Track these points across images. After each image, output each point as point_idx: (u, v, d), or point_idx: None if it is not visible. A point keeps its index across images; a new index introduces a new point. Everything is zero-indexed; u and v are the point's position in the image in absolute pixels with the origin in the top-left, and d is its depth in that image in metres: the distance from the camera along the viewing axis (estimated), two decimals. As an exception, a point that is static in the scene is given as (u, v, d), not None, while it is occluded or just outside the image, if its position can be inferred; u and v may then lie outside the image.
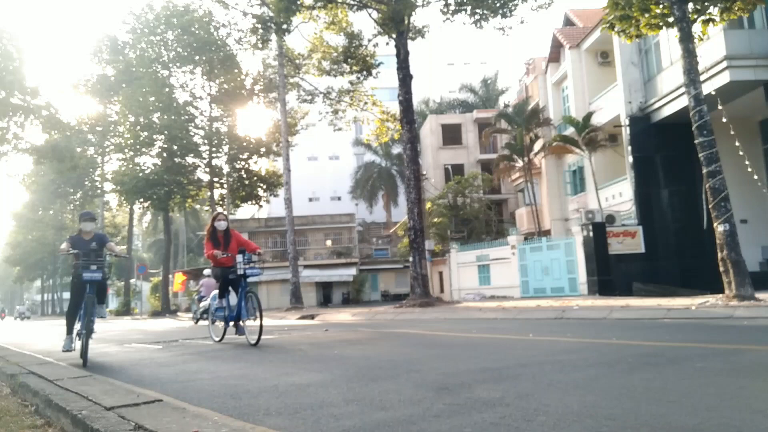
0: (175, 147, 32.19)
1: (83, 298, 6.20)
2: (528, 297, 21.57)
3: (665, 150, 18.98)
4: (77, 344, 6.48)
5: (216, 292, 8.53)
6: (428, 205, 30.19)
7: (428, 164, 38.36)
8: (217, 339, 8.57)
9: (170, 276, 39.30)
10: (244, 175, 33.63)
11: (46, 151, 25.30)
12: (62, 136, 26.64)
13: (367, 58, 23.85)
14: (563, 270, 21.07)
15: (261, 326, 7.56)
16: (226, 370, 5.34)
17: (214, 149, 33.39)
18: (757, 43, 15.24)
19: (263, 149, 33.38)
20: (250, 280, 7.93)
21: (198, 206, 48.88)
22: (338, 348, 7.11)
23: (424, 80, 43.01)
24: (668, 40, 17.35)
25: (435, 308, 16.46)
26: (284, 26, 20.41)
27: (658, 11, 11.90)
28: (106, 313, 6.49)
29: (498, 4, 18.65)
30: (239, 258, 7.69)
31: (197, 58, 32.61)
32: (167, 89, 33.04)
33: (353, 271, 37.37)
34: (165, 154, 32.94)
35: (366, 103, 27.51)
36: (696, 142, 10.85)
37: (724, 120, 13.61)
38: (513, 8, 18.78)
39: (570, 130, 23.49)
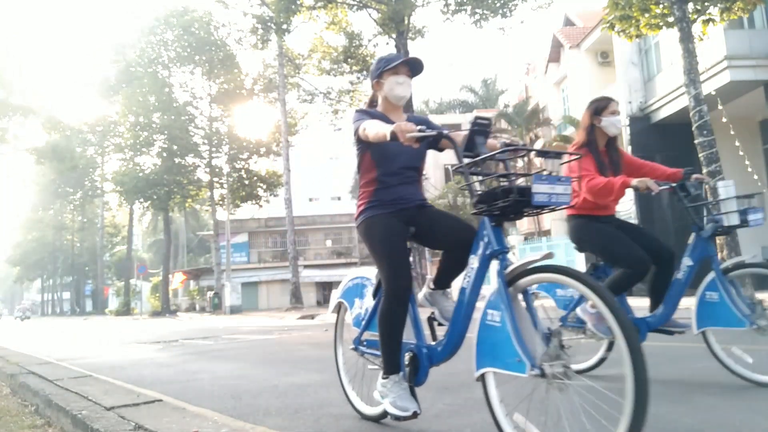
0: (175, 147, 32.19)
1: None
2: (528, 297, 21.53)
3: (665, 150, 18.94)
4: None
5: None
6: (428, 205, 30.16)
7: (428, 164, 38.19)
8: None
9: (170, 276, 39.28)
10: (244, 175, 33.62)
11: (46, 151, 25.31)
12: (62, 136, 26.64)
13: (367, 58, 23.86)
14: (563, 270, 21.02)
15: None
16: (226, 370, 5.34)
17: (214, 149, 33.38)
18: (757, 43, 15.23)
19: (263, 149, 33.37)
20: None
21: (198, 206, 48.86)
22: (338, 348, 7.10)
23: (424, 80, 43.07)
24: (668, 40, 17.35)
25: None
26: (284, 26, 20.43)
27: (658, 11, 11.90)
28: None
29: (498, 4, 18.66)
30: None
31: (197, 58, 32.59)
32: (167, 89, 33.03)
33: (353, 271, 37.37)
34: (165, 154, 32.93)
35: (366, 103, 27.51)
36: (696, 142, 10.86)
37: (724, 120, 13.62)
38: (513, 8, 18.81)
39: (570, 130, 23.48)
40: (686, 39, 10.99)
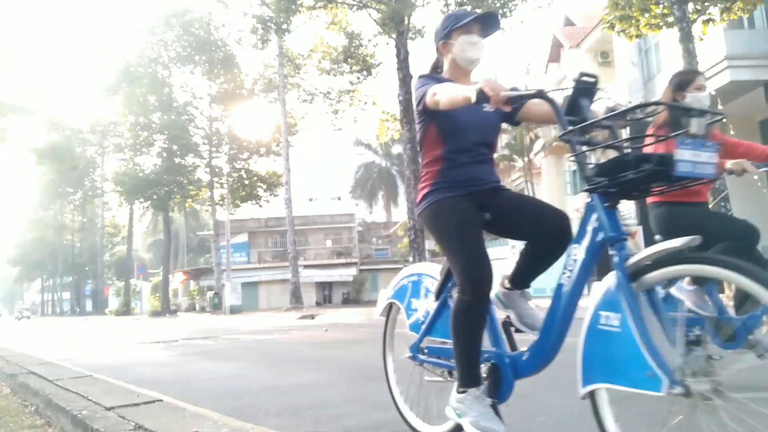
0: (175, 147, 32.19)
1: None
2: (528, 297, 21.52)
3: (665, 150, 18.98)
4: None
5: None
6: (428, 205, 30.17)
7: (428, 164, 38.31)
8: None
9: (170, 276, 39.29)
10: (244, 175, 33.62)
11: (46, 151, 25.32)
12: (62, 136, 26.65)
13: (367, 58, 23.85)
14: (563, 270, 21.01)
15: None
16: (226, 370, 5.34)
17: (214, 149, 33.38)
18: (757, 43, 15.23)
19: (263, 149, 33.38)
20: None
21: (198, 206, 48.88)
22: (338, 348, 7.11)
23: (424, 80, 42.87)
24: (668, 40, 17.35)
25: (435, 308, 16.46)
26: (284, 26, 20.42)
27: (658, 11, 11.91)
28: None
29: (498, 4, 18.66)
30: None
31: (197, 58, 32.60)
32: (167, 89, 33.03)
33: (353, 271, 37.36)
34: (165, 154, 32.94)
35: (366, 103, 27.52)
36: (696, 142, 10.86)
37: (724, 120, 13.61)
38: (513, 8, 18.80)
39: (570, 130, 23.48)
40: (686, 39, 11.00)
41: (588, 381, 1.71)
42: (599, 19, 18.10)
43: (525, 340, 2.10)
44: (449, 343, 2.20)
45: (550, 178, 27.60)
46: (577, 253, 1.88)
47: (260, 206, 36.34)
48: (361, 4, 20.56)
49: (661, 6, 11.77)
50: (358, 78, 25.49)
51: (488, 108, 1.95)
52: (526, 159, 26.67)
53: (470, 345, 2.08)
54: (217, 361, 6.33)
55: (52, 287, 72.28)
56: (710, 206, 3.92)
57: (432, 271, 2.52)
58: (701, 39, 12.27)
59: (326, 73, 25.93)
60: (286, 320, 17.25)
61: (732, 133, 13.75)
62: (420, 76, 2.32)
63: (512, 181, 32.75)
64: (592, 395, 1.72)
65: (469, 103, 1.90)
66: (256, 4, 22.91)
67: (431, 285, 2.46)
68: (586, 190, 1.85)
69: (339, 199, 47.41)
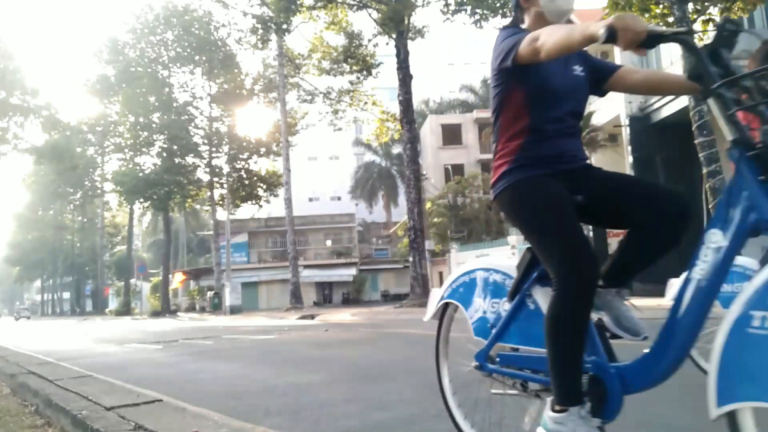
0: (175, 147, 32.21)
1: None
2: (528, 297, 21.52)
3: (665, 150, 18.96)
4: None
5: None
6: (428, 205, 30.19)
7: (428, 164, 38.35)
8: None
9: (170, 276, 39.30)
10: (244, 175, 33.64)
11: (46, 151, 25.33)
12: (62, 136, 26.66)
13: (367, 58, 23.86)
14: (563, 270, 21.01)
15: None
16: (226, 370, 5.34)
17: (214, 149, 33.40)
18: (757, 43, 15.23)
19: (263, 149, 33.40)
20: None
21: (198, 206, 48.91)
22: (338, 348, 7.11)
23: (424, 80, 43.07)
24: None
25: (435, 308, 16.47)
26: (284, 26, 20.45)
27: (658, 11, 11.91)
28: None
29: (498, 4, 18.66)
30: None
31: (197, 58, 32.62)
32: (167, 89, 33.05)
33: (353, 271, 37.36)
34: (165, 154, 32.96)
35: (366, 103, 27.52)
36: (696, 142, 10.86)
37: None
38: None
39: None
40: (686, 39, 11.00)
41: (728, 399, 1.34)
42: (599, 19, 18.10)
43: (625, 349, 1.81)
44: (528, 350, 1.92)
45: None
46: (718, 240, 1.52)
47: (260, 206, 36.37)
48: (361, 4, 20.57)
49: (661, 6, 11.78)
50: (358, 78, 25.50)
51: (620, 48, 1.52)
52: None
53: (572, 354, 1.71)
54: (217, 361, 6.33)
55: (52, 287, 72.31)
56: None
57: (502, 265, 2.19)
58: (701, 39, 12.27)
59: (326, 73, 25.95)
60: (286, 320, 17.25)
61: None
62: (503, 29, 1.96)
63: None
64: (730, 417, 1.35)
65: (592, 43, 1.54)
66: (256, 4, 22.93)
67: (503, 282, 2.12)
68: (752, 154, 1.42)
69: (339, 199, 47.40)
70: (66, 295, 69.85)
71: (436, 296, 2.44)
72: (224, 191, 32.22)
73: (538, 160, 1.87)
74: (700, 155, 10.79)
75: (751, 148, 1.42)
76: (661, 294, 3.73)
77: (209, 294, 32.21)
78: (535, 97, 1.87)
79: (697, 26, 11.89)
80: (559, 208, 1.79)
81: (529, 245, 1.99)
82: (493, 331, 2.08)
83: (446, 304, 2.38)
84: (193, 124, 33.71)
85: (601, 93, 2.07)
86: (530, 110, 1.88)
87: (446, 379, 2.43)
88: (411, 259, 18.82)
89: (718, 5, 11.63)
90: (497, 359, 2.08)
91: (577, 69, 1.83)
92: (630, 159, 19.66)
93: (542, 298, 1.91)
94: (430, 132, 39.78)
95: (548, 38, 1.62)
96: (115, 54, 37.92)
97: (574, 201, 1.84)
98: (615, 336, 1.82)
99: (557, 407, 1.72)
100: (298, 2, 19.24)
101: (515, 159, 1.90)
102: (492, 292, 2.15)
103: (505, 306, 2.06)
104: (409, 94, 19.45)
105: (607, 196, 1.88)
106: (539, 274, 1.94)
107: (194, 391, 4.05)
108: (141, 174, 32.93)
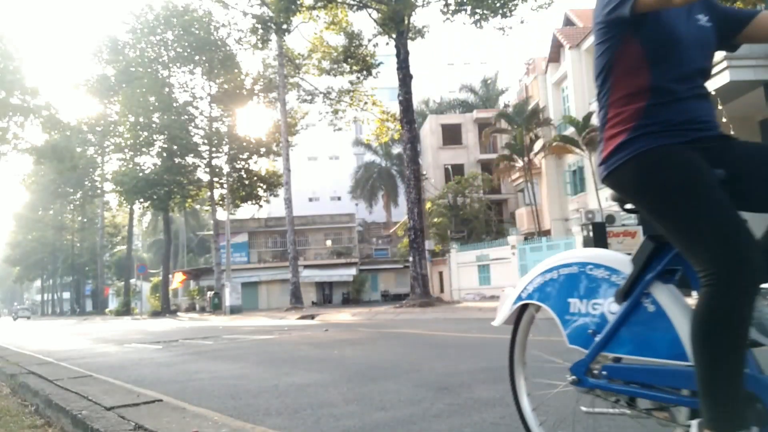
0: (175, 147, 32.22)
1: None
2: (528, 297, 21.52)
3: (665, 150, 18.99)
4: None
5: None
6: (428, 205, 30.20)
7: (428, 164, 38.36)
8: None
9: (170, 276, 39.30)
10: (244, 175, 33.66)
11: (46, 151, 25.30)
12: (62, 136, 26.64)
13: (367, 58, 23.87)
14: (563, 270, 21.02)
15: None
16: (226, 370, 5.34)
17: (214, 149, 33.42)
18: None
19: (263, 149, 33.41)
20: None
21: (198, 206, 48.92)
22: (338, 348, 7.11)
23: (424, 80, 43.05)
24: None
25: (435, 308, 16.47)
26: (284, 26, 20.45)
27: (658, 11, 11.92)
28: None
29: (498, 4, 18.67)
30: None
31: (197, 58, 32.63)
32: (167, 89, 33.06)
33: (353, 271, 37.37)
34: (165, 154, 32.97)
35: (366, 103, 27.54)
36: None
37: (724, 120, 13.62)
38: (513, 8, 18.80)
39: (570, 130, 23.48)
40: (686, 39, 11.00)
41: None
42: (599, 19, 18.11)
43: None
44: (634, 360, 1.64)
45: (550, 178, 27.61)
46: None
47: (260, 206, 36.38)
48: (361, 4, 20.58)
49: (661, 6, 11.78)
50: (358, 78, 25.51)
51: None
52: (526, 159, 26.67)
53: (734, 367, 1.37)
54: (217, 361, 6.33)
55: (52, 287, 72.36)
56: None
57: (606, 257, 1.80)
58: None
59: (326, 73, 25.96)
60: (286, 320, 17.25)
61: (732, 132, 13.75)
62: None
63: (512, 181, 32.78)
64: None
65: None
66: (256, 4, 22.94)
67: (607, 278, 1.75)
68: None
69: (339, 199, 47.40)
70: (66, 295, 69.88)
71: (510, 297, 2.07)
72: (224, 191, 32.24)
73: (667, 127, 1.56)
74: (700, 155, 10.80)
75: None
76: None
77: (209, 294, 32.22)
78: (657, 51, 1.57)
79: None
80: (705, 182, 1.47)
81: (651, 233, 1.64)
82: (597, 338, 1.73)
83: (524, 306, 2.03)
84: (193, 124, 33.72)
85: (732, 47, 1.74)
86: (651, 67, 1.58)
87: (524, 394, 2.05)
88: (411, 259, 18.82)
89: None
90: (605, 372, 1.73)
91: (702, 19, 1.56)
92: (630, 159, 19.68)
93: (667, 298, 1.58)
94: (430, 132, 39.79)
95: None
96: (115, 54, 37.97)
97: (716, 176, 1.51)
98: (757, 343, 1.47)
99: None
100: (298, 2, 19.24)
101: (637, 126, 1.58)
102: (593, 291, 1.78)
103: (611, 308, 1.71)
104: (409, 94, 19.46)
105: (755, 172, 1.54)
106: (663, 268, 1.60)
107: (194, 391, 4.05)
108: (141, 174, 32.94)
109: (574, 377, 1.80)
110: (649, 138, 1.56)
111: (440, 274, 29.28)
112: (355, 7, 21.30)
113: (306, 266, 35.96)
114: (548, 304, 1.91)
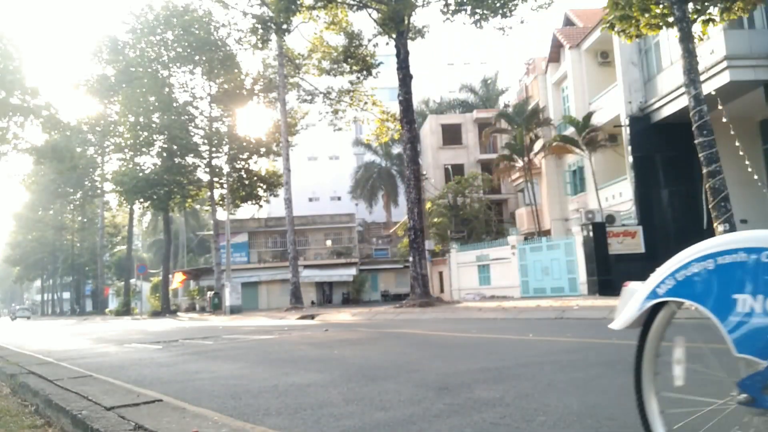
0: (175, 147, 32.21)
1: None
2: (528, 297, 21.56)
3: (665, 150, 18.98)
4: None
5: None
6: (428, 205, 30.20)
7: (428, 164, 38.36)
8: None
9: (170, 276, 39.30)
10: (244, 175, 33.65)
11: (46, 151, 25.29)
12: (62, 136, 26.63)
13: (367, 58, 23.87)
14: (563, 270, 21.06)
15: None
16: (226, 370, 5.34)
17: (214, 149, 33.41)
18: (757, 43, 15.24)
19: (263, 149, 33.41)
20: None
21: (198, 206, 48.91)
22: (338, 348, 7.11)
23: (424, 80, 43.06)
24: (668, 40, 17.35)
25: (435, 308, 16.46)
26: (284, 26, 20.44)
27: (658, 11, 11.91)
28: None
29: (498, 4, 18.66)
30: None
31: (197, 58, 32.62)
32: (167, 89, 33.04)
33: (353, 271, 37.37)
34: (165, 154, 32.97)
35: (366, 103, 27.53)
36: (696, 142, 10.86)
37: (724, 120, 13.61)
38: (513, 8, 18.80)
39: (570, 130, 23.48)
40: (686, 39, 11.00)
41: None
42: (599, 19, 18.12)
43: None
44: None
45: (550, 178, 27.60)
46: None
47: (260, 206, 36.37)
48: (361, 4, 20.57)
49: (661, 6, 11.77)
50: (358, 78, 25.50)
51: None
52: (525, 159, 26.66)
53: None
54: (217, 361, 6.33)
55: (52, 287, 72.36)
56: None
57: None
58: (701, 39, 12.28)
59: (326, 73, 25.95)
60: (286, 320, 17.25)
61: (732, 132, 13.76)
62: None
63: (512, 181, 32.77)
64: None
65: None
66: (256, 4, 22.94)
67: None
68: None
69: (339, 199, 47.40)
70: (66, 295, 69.87)
71: (639, 294, 1.70)
72: (224, 191, 32.23)
73: None
74: (700, 155, 10.78)
75: None
76: None
77: (209, 294, 32.22)
78: None
79: (697, 26, 11.88)
80: None
81: None
82: None
83: (658, 305, 1.67)
84: (193, 124, 33.71)
85: None
86: None
87: (656, 413, 1.68)
88: (411, 259, 18.82)
89: (718, 5, 11.63)
90: None
91: None
92: (630, 159, 19.67)
93: None
94: (430, 132, 39.79)
95: None
96: (115, 54, 37.97)
97: None
98: None
99: None
100: (298, 2, 19.23)
101: None
102: None
103: None
104: (409, 94, 19.45)
105: None
106: None
107: (194, 391, 4.05)
108: (141, 174, 32.94)
109: (745, 395, 1.44)
110: None
111: (440, 274, 29.27)
112: (355, 7, 21.29)
113: (306, 266, 35.96)
114: (703, 302, 1.55)
